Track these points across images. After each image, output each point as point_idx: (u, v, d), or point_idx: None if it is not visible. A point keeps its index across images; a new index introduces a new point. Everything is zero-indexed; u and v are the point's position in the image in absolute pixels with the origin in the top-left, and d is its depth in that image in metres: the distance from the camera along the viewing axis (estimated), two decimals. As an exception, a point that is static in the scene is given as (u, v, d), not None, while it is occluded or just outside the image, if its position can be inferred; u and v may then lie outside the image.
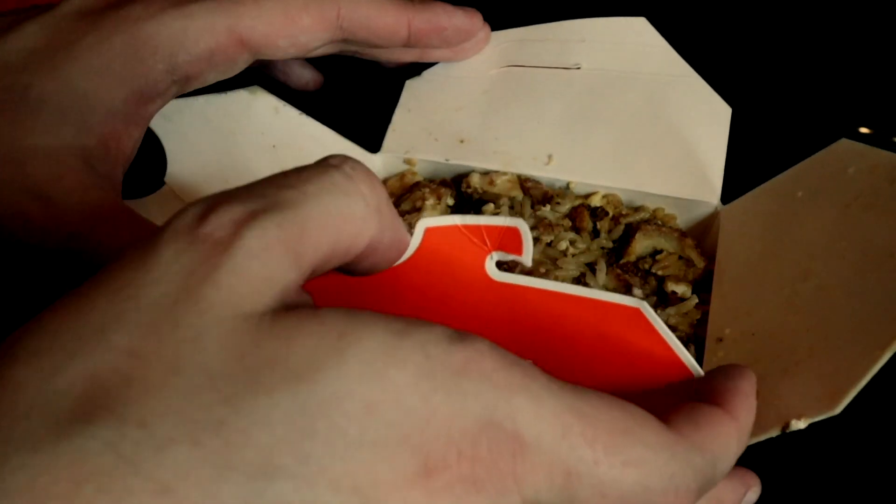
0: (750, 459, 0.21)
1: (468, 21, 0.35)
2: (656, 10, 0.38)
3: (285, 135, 0.34)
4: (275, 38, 0.30)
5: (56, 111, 0.26)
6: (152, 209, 0.30)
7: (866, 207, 0.24)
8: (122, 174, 0.28)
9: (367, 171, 0.19)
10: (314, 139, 0.35)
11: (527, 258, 0.21)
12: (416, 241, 0.21)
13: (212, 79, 0.30)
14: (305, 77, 0.38)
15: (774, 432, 0.22)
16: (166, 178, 0.31)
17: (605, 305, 0.21)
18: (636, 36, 0.37)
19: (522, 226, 0.20)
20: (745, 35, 0.42)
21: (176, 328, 0.15)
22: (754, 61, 0.41)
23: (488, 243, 0.21)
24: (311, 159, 0.35)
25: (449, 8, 0.34)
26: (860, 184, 0.25)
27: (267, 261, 0.16)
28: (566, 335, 0.21)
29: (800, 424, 0.21)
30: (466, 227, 0.21)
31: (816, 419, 0.21)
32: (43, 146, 0.26)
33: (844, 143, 0.27)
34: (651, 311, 0.20)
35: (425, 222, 0.21)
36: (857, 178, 0.26)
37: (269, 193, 0.17)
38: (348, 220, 0.18)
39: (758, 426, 0.21)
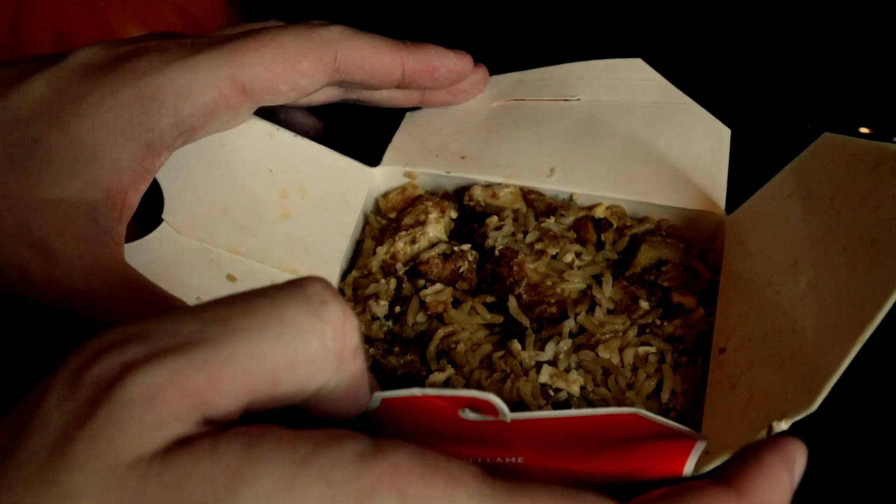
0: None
1: (459, 62, 0.38)
2: (651, 54, 0.41)
3: (282, 158, 0.36)
4: (276, 83, 0.32)
5: (63, 165, 0.27)
6: (152, 249, 0.31)
7: (849, 197, 0.25)
8: (125, 227, 0.29)
9: (342, 308, 0.18)
10: (311, 159, 0.37)
11: (505, 418, 0.20)
12: (372, 405, 0.21)
13: (215, 129, 0.32)
14: (307, 125, 0.40)
15: (762, 437, 0.22)
16: (164, 216, 0.32)
17: (604, 418, 0.21)
18: (634, 72, 0.40)
19: (496, 401, 0.19)
20: (741, 68, 0.45)
21: (52, 484, 0.15)
22: (751, 93, 0.44)
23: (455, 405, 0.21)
24: (309, 180, 0.37)
25: (441, 50, 0.37)
26: (843, 175, 0.26)
27: (156, 407, 0.16)
28: (566, 437, 0.22)
29: (782, 426, 0.22)
30: (427, 397, 0.20)
31: (797, 418, 0.21)
32: (48, 199, 0.27)
33: (827, 137, 0.28)
34: (647, 412, 0.21)
35: (380, 395, 0.20)
36: (840, 170, 0.26)
37: (186, 329, 0.16)
38: (292, 363, 0.17)
39: (750, 432, 0.22)
